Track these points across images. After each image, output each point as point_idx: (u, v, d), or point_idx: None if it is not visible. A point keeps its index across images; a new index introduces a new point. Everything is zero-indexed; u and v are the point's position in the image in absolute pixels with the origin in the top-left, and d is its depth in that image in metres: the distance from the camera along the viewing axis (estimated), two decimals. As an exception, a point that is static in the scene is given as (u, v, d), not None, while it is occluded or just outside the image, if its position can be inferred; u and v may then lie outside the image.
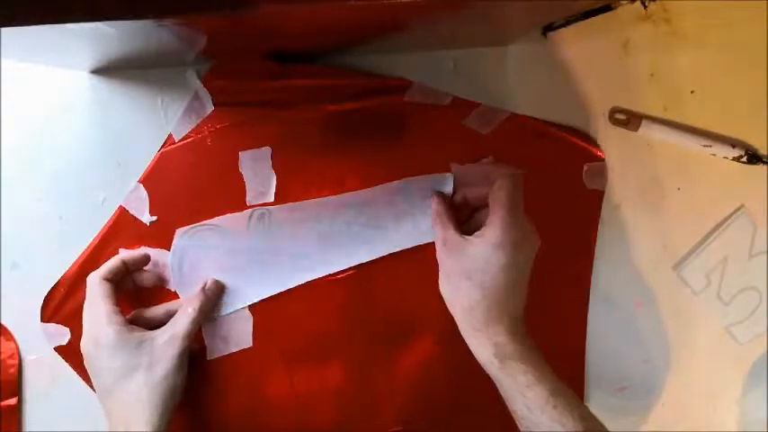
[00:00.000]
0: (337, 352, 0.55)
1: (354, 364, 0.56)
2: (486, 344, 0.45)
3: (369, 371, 0.56)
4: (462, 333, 0.47)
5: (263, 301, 0.54)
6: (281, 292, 0.54)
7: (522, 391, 0.44)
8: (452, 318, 0.55)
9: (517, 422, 0.45)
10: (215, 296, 0.52)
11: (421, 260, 0.54)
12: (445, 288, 0.49)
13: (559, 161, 0.55)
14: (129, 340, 0.47)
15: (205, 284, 0.52)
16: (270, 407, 0.55)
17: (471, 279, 0.46)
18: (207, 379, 0.54)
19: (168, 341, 0.48)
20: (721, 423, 0.58)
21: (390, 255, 0.54)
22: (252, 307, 0.54)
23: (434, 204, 0.52)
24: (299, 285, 0.54)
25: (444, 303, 0.54)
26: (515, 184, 0.46)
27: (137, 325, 0.49)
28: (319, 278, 0.54)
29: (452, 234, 0.48)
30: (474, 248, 0.46)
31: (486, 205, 0.48)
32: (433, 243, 0.54)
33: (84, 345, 0.48)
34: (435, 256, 0.54)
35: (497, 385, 0.46)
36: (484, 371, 0.47)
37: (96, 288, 0.48)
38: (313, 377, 0.55)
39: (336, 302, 0.55)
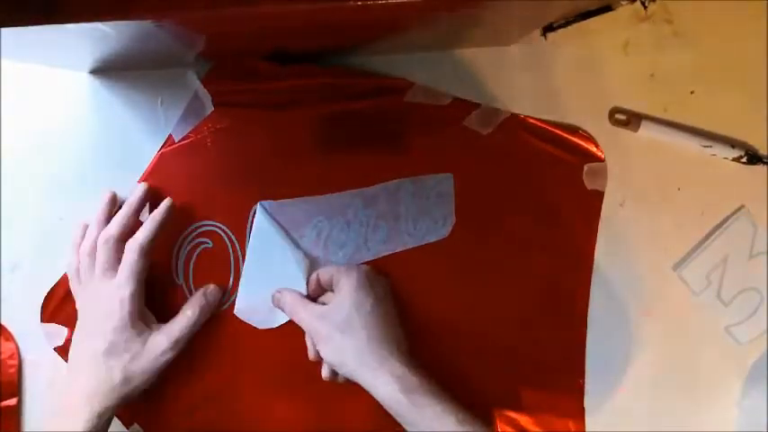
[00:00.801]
0: None
1: None
2: (388, 380, 0.45)
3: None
4: (360, 379, 0.46)
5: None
6: None
7: (431, 424, 0.44)
8: (456, 319, 0.55)
9: None
10: (215, 300, 0.52)
11: (422, 261, 0.54)
12: (329, 353, 0.48)
13: (559, 161, 0.55)
14: (133, 327, 0.48)
15: (207, 289, 0.52)
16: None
17: (351, 326, 0.47)
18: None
19: (159, 344, 0.48)
20: (721, 424, 0.58)
21: (391, 255, 0.54)
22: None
23: (285, 295, 0.51)
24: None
25: (449, 306, 0.54)
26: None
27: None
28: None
29: (312, 306, 0.50)
30: (337, 302, 0.49)
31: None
32: (436, 241, 0.54)
33: (104, 292, 0.48)
34: (436, 258, 0.54)
35: (402, 422, 0.45)
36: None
37: (134, 260, 0.48)
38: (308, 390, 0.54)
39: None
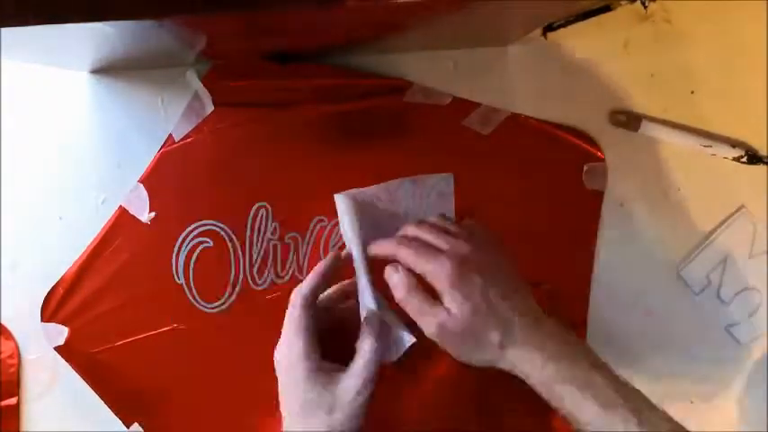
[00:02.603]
0: None
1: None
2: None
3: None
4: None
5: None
6: None
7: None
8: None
9: None
10: (378, 326, 0.46)
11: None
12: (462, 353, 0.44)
13: (559, 161, 0.55)
14: (316, 381, 0.45)
15: (371, 320, 0.47)
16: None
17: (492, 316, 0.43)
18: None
19: (349, 389, 0.45)
20: (721, 423, 0.58)
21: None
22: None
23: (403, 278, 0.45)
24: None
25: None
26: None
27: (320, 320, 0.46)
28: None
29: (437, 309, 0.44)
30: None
31: None
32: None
33: (279, 355, 0.46)
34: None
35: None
36: (509, 380, 0.44)
37: (299, 314, 0.46)
38: None
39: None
